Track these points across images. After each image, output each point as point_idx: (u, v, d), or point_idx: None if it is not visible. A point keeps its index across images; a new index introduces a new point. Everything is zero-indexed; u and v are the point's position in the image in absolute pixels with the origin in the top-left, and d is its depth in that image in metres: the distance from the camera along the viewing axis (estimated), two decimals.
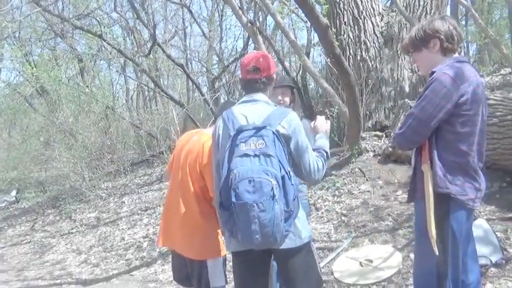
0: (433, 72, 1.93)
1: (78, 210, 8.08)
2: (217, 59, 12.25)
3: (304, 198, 2.81)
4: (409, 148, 2.08)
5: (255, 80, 2.04)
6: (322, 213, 4.68)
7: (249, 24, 6.15)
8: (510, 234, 3.32)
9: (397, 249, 3.58)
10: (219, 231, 2.27)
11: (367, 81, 6.51)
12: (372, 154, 5.54)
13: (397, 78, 6.75)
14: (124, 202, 7.65)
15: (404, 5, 6.92)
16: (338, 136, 6.36)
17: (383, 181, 4.89)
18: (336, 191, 5.00)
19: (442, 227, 1.85)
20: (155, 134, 9.42)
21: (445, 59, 1.96)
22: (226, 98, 10.58)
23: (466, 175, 1.89)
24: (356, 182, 5.05)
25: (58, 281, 5.06)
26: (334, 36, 5.80)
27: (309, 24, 8.39)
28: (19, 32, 10.36)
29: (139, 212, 6.86)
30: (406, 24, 6.79)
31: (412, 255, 3.40)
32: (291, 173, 1.86)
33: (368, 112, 6.53)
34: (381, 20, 7.04)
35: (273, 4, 7.65)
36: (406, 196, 4.18)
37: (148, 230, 6.01)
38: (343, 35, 6.84)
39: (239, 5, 6.50)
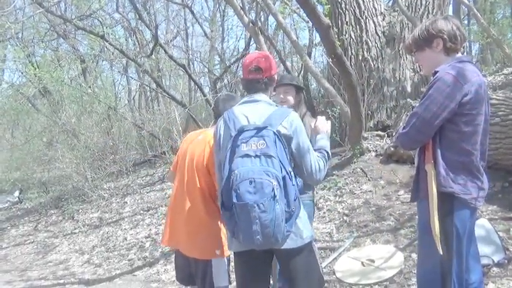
0: (436, 72, 1.93)
1: (80, 210, 8.11)
2: (219, 59, 12.26)
3: (308, 199, 2.79)
4: (412, 148, 2.08)
5: (257, 79, 2.05)
6: (324, 213, 4.68)
7: (251, 25, 6.15)
8: None
9: (399, 249, 3.58)
10: (224, 230, 2.27)
11: (369, 81, 6.51)
12: (373, 154, 5.53)
13: (399, 78, 6.74)
14: (126, 202, 7.67)
15: (406, 4, 6.91)
16: (340, 136, 6.35)
17: (385, 181, 4.89)
18: (338, 191, 5.00)
19: (446, 226, 1.85)
20: (157, 134, 9.43)
21: (448, 59, 1.97)
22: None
23: (469, 174, 1.89)
24: (358, 182, 5.05)
25: (61, 281, 5.08)
26: (336, 36, 5.79)
27: (310, 24, 8.40)
28: (22, 33, 10.40)
29: (141, 212, 6.87)
30: (408, 24, 6.78)
31: (414, 255, 3.40)
32: (292, 173, 1.86)
33: (370, 112, 6.52)
34: (383, 19, 7.03)
35: (274, 4, 7.65)
36: (408, 196, 4.18)
37: (150, 230, 6.02)
38: (345, 35, 6.84)
39: (241, 5, 6.50)
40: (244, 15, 6.27)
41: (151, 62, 9.93)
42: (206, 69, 11.79)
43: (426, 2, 6.86)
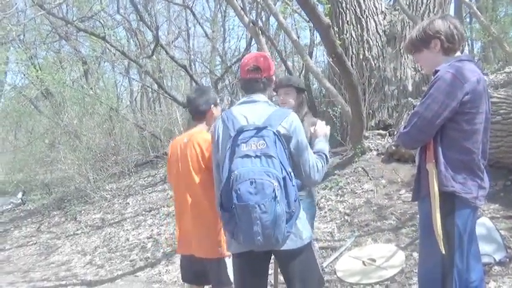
0: (436, 71, 1.93)
1: (83, 211, 8.13)
2: (220, 59, 12.27)
3: (309, 199, 2.79)
4: (414, 147, 2.08)
5: (255, 79, 2.04)
6: (325, 212, 4.68)
7: (251, 25, 6.15)
8: None
9: (400, 248, 3.57)
10: None
11: (370, 80, 6.49)
12: (375, 153, 5.52)
13: (400, 77, 6.72)
14: (128, 203, 7.68)
15: (407, 3, 6.90)
16: (341, 135, 6.35)
17: (386, 180, 4.87)
18: (339, 191, 4.99)
19: (447, 225, 1.85)
20: (159, 135, 9.46)
21: (447, 59, 1.96)
22: (229, 99, 10.58)
23: (470, 173, 1.89)
24: (359, 181, 5.04)
25: (63, 282, 5.09)
26: (337, 35, 5.78)
27: (311, 24, 8.39)
28: (24, 35, 10.44)
29: (143, 212, 6.88)
30: (409, 22, 6.76)
31: (415, 254, 3.39)
32: (292, 174, 1.85)
33: (371, 111, 6.50)
34: (384, 18, 7.02)
35: (275, 5, 7.65)
36: (410, 195, 4.17)
37: (152, 230, 6.03)
38: (346, 34, 6.83)
39: (241, 5, 6.50)
40: (245, 16, 6.27)
41: (153, 63, 9.95)
42: (207, 70, 11.81)
43: (427, 1, 6.84)
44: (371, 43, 6.81)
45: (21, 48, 10.62)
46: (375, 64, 6.72)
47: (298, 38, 8.69)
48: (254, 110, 1.98)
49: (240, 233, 1.81)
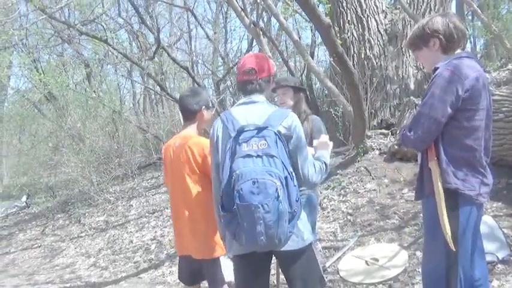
0: (436, 69, 1.93)
1: (87, 214, 8.16)
2: (222, 61, 12.28)
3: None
4: (424, 148, 2.01)
5: (250, 81, 2.03)
6: (328, 212, 4.67)
7: (252, 26, 6.15)
8: None
9: (403, 247, 3.56)
10: None
11: (371, 80, 6.48)
12: (377, 152, 5.51)
13: (402, 76, 6.71)
14: (132, 205, 7.71)
15: (408, 1, 6.88)
16: (343, 135, 6.34)
17: (389, 179, 4.86)
18: (342, 190, 4.98)
19: (452, 223, 1.84)
20: (162, 137, 9.47)
21: (446, 57, 1.96)
22: (232, 100, 10.60)
23: (473, 170, 1.88)
24: (362, 181, 5.03)
25: (68, 285, 5.12)
26: (338, 35, 5.79)
27: (312, 23, 8.38)
28: (26, 39, 10.49)
29: (147, 214, 6.90)
30: (410, 21, 6.75)
31: (418, 254, 3.39)
32: (293, 173, 1.85)
33: (373, 110, 6.49)
34: (385, 17, 7.01)
35: (276, 6, 7.66)
36: (413, 194, 4.16)
37: (156, 232, 6.04)
38: (347, 34, 6.82)
39: (241, 6, 6.50)
40: (246, 17, 6.28)
41: (155, 65, 9.97)
42: (209, 71, 11.83)
43: None
44: (372, 42, 6.80)
45: (24, 52, 10.67)
46: (377, 63, 6.71)
47: (300, 38, 8.69)
48: (253, 111, 1.98)
49: (242, 233, 1.80)
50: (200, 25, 11.41)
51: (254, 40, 9.05)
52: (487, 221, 3.04)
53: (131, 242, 6.04)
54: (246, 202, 1.74)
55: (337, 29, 6.76)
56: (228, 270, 2.46)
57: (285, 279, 2.07)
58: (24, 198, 11.22)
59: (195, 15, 10.75)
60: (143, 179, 9.34)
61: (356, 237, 3.97)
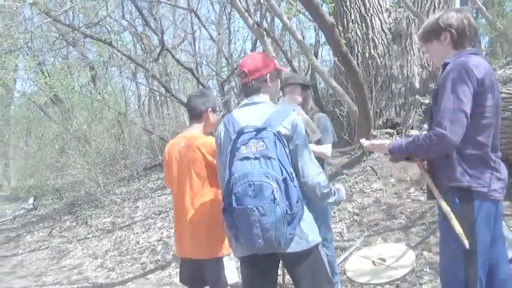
0: (446, 64, 1.92)
1: (93, 215, 8.21)
2: (226, 61, 12.30)
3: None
4: (459, 141, 1.90)
5: (245, 83, 2.04)
6: (334, 212, 4.66)
7: (256, 26, 6.16)
8: None
9: (410, 247, 3.55)
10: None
11: (376, 79, 6.47)
12: None
13: (407, 75, 6.68)
14: (138, 206, 7.74)
15: (412, 0, 6.85)
16: (348, 135, 6.33)
17: (395, 179, 4.85)
18: (348, 190, 4.97)
19: (468, 222, 1.83)
20: (167, 138, 9.49)
21: (457, 52, 1.95)
22: (236, 101, 10.61)
23: (486, 166, 1.87)
24: (368, 181, 5.02)
25: (75, 286, 5.15)
26: (342, 34, 5.78)
27: (316, 23, 8.37)
28: (32, 43, 10.56)
29: (153, 215, 6.93)
30: (414, 19, 6.72)
31: (425, 254, 3.38)
32: (294, 174, 1.83)
33: (378, 110, 6.47)
34: (389, 16, 6.99)
35: (279, 6, 7.66)
36: (420, 193, 4.14)
37: (162, 233, 6.07)
38: (351, 33, 6.80)
39: (245, 7, 6.51)
40: (249, 17, 6.29)
41: (159, 66, 10.00)
42: (214, 72, 11.84)
43: None
44: (376, 41, 6.78)
45: (29, 55, 10.75)
46: (381, 62, 6.69)
47: (304, 38, 8.69)
48: (255, 111, 1.97)
49: (240, 236, 1.81)
50: (204, 26, 11.41)
51: (258, 40, 9.06)
52: None
53: (138, 243, 6.06)
54: (241, 205, 1.74)
55: (340, 28, 6.76)
56: (231, 271, 2.42)
57: (291, 280, 2.07)
58: (31, 200, 11.30)
59: (198, 16, 10.76)
60: (149, 180, 9.37)
61: (363, 237, 3.97)
